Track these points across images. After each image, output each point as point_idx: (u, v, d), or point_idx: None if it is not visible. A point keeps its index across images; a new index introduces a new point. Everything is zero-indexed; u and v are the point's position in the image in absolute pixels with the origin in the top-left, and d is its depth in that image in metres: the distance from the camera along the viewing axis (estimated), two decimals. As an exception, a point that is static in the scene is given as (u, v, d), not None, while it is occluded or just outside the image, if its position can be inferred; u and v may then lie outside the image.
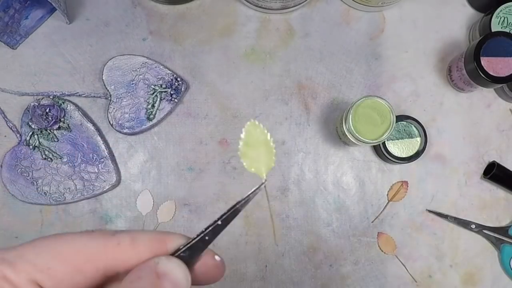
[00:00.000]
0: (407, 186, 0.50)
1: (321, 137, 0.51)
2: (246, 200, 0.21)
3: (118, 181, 0.49)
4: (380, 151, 0.48)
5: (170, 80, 0.49)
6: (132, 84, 0.49)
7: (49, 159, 0.48)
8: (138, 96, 0.49)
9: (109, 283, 0.20)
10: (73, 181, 0.48)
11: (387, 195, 0.50)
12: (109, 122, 0.49)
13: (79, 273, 0.18)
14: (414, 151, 0.48)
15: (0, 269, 0.17)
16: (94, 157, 0.48)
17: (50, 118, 0.48)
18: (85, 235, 0.19)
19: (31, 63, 0.50)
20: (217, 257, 0.21)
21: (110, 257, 0.19)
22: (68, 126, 0.49)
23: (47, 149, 0.48)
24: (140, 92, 0.49)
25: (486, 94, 0.52)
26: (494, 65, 0.45)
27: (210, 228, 0.20)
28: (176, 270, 0.19)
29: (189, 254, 0.20)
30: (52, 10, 0.50)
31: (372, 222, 0.50)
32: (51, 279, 0.18)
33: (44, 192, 0.48)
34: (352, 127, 0.43)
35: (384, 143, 0.48)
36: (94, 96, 0.50)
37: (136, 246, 0.19)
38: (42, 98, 0.49)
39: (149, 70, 0.49)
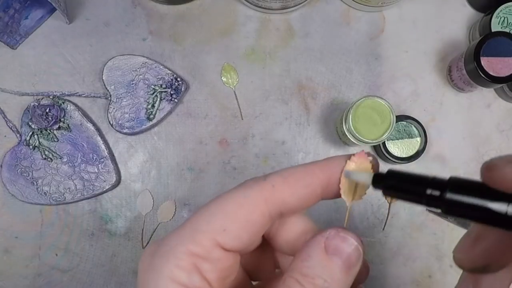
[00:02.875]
0: None
1: (321, 137, 0.51)
2: None
3: (118, 181, 0.49)
4: (380, 151, 0.48)
5: (170, 80, 0.49)
6: (132, 84, 0.49)
7: (49, 159, 0.48)
8: (138, 96, 0.49)
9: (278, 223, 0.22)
10: (73, 181, 0.48)
11: (385, 198, 0.50)
12: (109, 122, 0.49)
13: (250, 224, 0.20)
14: (414, 151, 0.48)
15: (185, 248, 0.19)
16: (94, 157, 0.48)
17: (50, 118, 0.48)
18: (241, 188, 0.20)
19: (31, 63, 0.50)
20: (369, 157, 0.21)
21: (270, 201, 0.20)
22: (68, 126, 0.49)
23: (47, 149, 0.48)
24: (140, 92, 0.49)
25: (486, 94, 0.52)
26: (494, 65, 0.45)
27: None
28: (346, 246, 0.20)
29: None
30: (52, 10, 0.50)
31: (383, 229, 0.50)
32: (230, 238, 0.19)
33: (44, 192, 0.48)
34: (352, 127, 0.43)
35: (384, 143, 0.48)
36: (94, 96, 0.50)
37: (289, 184, 0.20)
38: (42, 98, 0.49)
39: (149, 70, 0.49)
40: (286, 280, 0.19)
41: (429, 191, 0.18)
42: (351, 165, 0.21)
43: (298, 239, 0.22)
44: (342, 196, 0.21)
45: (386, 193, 0.20)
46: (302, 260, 0.19)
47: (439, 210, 0.18)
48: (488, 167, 0.17)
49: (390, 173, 0.20)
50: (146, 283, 0.19)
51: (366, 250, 0.49)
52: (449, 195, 0.17)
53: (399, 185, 0.19)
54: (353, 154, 0.21)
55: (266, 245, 0.23)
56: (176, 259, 0.18)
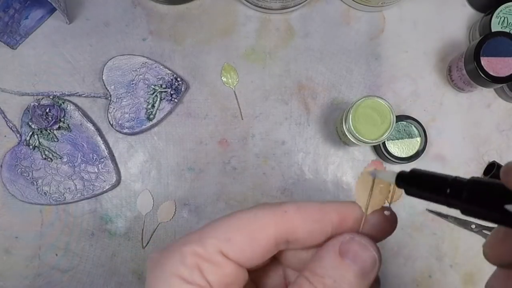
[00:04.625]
0: None
1: (321, 137, 0.51)
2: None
3: (118, 181, 0.49)
4: (380, 151, 0.48)
5: (170, 80, 0.49)
6: (132, 84, 0.49)
7: (49, 159, 0.48)
8: (138, 96, 0.49)
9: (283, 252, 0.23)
10: (73, 181, 0.48)
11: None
12: (109, 122, 0.49)
13: (255, 242, 0.20)
14: (414, 151, 0.48)
15: (190, 248, 0.20)
16: (94, 157, 0.48)
17: (50, 118, 0.48)
18: (254, 208, 0.21)
19: (31, 63, 0.50)
20: (386, 212, 0.22)
21: (279, 225, 0.20)
22: (68, 126, 0.49)
23: (47, 149, 0.48)
24: (140, 92, 0.49)
25: (486, 94, 0.52)
26: (494, 65, 0.45)
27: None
28: (362, 251, 0.20)
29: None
30: (52, 10, 0.50)
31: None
32: (233, 249, 0.20)
33: (44, 192, 0.48)
34: (352, 127, 0.43)
35: (384, 143, 0.48)
36: (94, 96, 0.50)
37: (301, 214, 0.20)
38: (42, 98, 0.49)
39: (149, 70, 0.49)
40: (297, 279, 0.20)
41: (448, 191, 0.18)
42: (370, 169, 0.22)
43: (309, 254, 0.22)
44: (357, 202, 0.21)
45: (408, 192, 0.20)
46: (314, 260, 0.20)
47: (458, 211, 0.18)
48: (506, 171, 0.17)
49: (413, 172, 0.20)
50: (153, 279, 0.20)
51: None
52: (467, 196, 0.17)
53: (420, 184, 0.19)
54: (372, 161, 0.22)
55: (276, 261, 0.24)
56: (181, 256, 0.19)
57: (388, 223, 0.22)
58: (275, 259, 0.24)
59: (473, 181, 0.18)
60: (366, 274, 0.20)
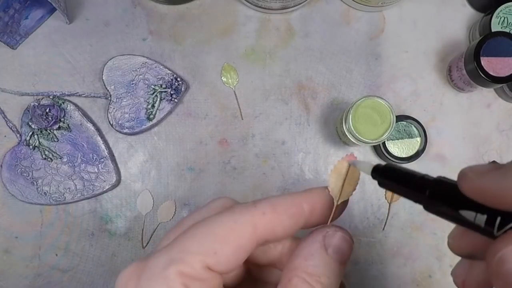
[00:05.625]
0: None
1: (321, 137, 0.51)
2: None
3: (118, 181, 0.49)
4: (380, 151, 0.48)
5: (170, 80, 0.49)
6: (132, 84, 0.49)
7: (49, 159, 0.48)
8: (138, 96, 0.49)
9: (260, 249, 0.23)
10: (73, 181, 0.48)
11: (386, 198, 0.50)
12: (109, 122, 0.49)
13: (240, 249, 0.20)
14: (414, 151, 0.48)
15: (176, 269, 0.18)
16: (94, 157, 0.48)
17: (50, 118, 0.48)
18: (230, 213, 0.20)
19: (31, 63, 0.50)
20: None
21: (259, 228, 0.20)
22: (68, 126, 0.49)
23: (47, 149, 0.48)
24: (140, 92, 0.49)
25: (486, 94, 0.52)
26: (494, 65, 0.45)
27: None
28: (344, 244, 0.21)
29: None
30: (52, 10, 0.50)
31: (383, 229, 0.50)
32: (220, 261, 0.19)
33: (44, 192, 0.48)
34: (352, 127, 0.43)
35: (384, 143, 0.48)
36: (94, 96, 0.50)
37: (278, 214, 0.21)
38: (42, 98, 0.49)
39: (149, 70, 0.49)
40: (292, 280, 0.20)
41: (414, 188, 0.19)
42: (344, 164, 0.23)
43: (275, 245, 0.23)
44: (331, 193, 0.23)
45: (381, 184, 0.21)
46: (305, 259, 0.20)
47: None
48: (460, 177, 0.17)
49: (388, 166, 0.21)
50: None
51: (366, 250, 0.50)
52: (429, 195, 0.18)
53: (392, 177, 0.20)
54: (346, 154, 0.23)
55: None
56: (167, 280, 0.18)
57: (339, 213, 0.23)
58: None
59: (438, 181, 0.18)
60: (346, 262, 0.21)
